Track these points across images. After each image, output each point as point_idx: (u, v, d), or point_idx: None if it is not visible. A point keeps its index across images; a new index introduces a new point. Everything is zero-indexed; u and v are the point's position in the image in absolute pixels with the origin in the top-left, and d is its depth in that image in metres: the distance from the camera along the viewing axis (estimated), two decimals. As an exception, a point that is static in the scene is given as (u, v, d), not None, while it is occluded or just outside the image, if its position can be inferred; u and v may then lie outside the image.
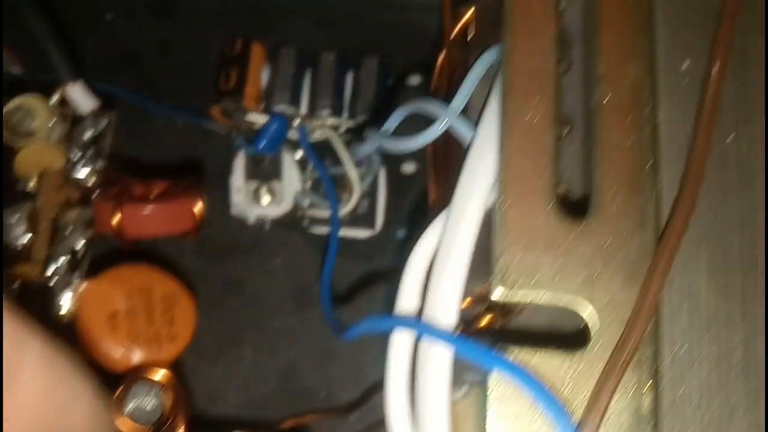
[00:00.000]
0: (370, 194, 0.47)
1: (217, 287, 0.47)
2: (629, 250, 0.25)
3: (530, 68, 0.27)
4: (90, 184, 0.38)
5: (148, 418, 0.32)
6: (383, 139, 0.36)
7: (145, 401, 0.32)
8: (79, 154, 0.38)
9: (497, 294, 0.25)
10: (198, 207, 0.37)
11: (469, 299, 0.27)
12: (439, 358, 0.24)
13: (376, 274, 0.47)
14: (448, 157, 0.33)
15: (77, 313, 0.35)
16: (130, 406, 0.32)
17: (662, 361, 0.25)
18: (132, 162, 0.41)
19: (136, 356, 0.35)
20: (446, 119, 0.31)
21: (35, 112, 0.36)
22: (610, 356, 0.24)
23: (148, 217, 0.35)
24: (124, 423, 0.32)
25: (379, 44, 0.47)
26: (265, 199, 0.46)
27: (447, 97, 0.32)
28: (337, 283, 0.45)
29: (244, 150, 0.45)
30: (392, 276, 0.28)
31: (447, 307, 0.25)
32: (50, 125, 0.36)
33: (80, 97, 0.38)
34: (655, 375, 0.24)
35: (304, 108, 0.44)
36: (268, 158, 0.46)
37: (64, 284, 0.36)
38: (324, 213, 0.47)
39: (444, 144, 0.33)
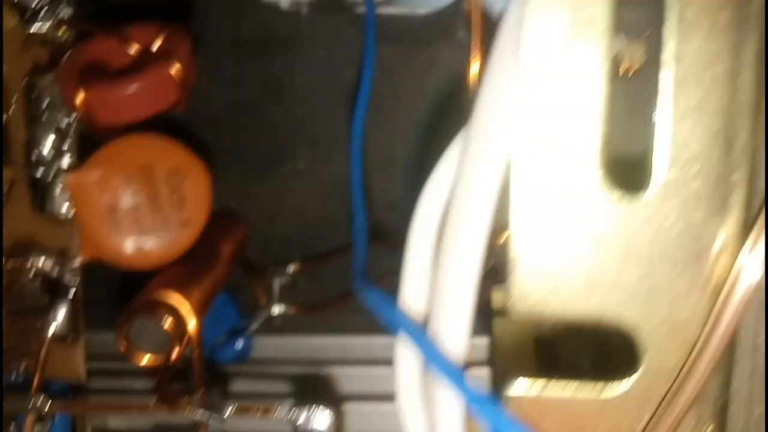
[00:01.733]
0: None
1: (255, 91, 0.40)
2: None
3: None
4: (58, 38, 0.30)
5: (160, 346, 0.28)
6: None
7: (151, 333, 0.28)
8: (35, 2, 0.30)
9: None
10: (175, 69, 0.29)
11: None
12: (450, 408, 0.18)
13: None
14: None
15: (73, 209, 0.30)
16: (139, 341, 0.28)
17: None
18: (100, 8, 0.33)
19: (147, 251, 0.30)
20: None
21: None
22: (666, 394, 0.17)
23: (119, 101, 0.28)
24: (140, 358, 0.28)
25: None
26: None
27: None
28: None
29: None
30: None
31: (457, 334, 0.18)
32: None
33: None
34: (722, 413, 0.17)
35: None
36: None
37: (52, 172, 0.30)
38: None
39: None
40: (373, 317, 0.39)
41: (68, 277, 0.31)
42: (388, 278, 0.38)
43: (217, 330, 0.39)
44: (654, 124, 0.18)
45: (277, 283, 0.40)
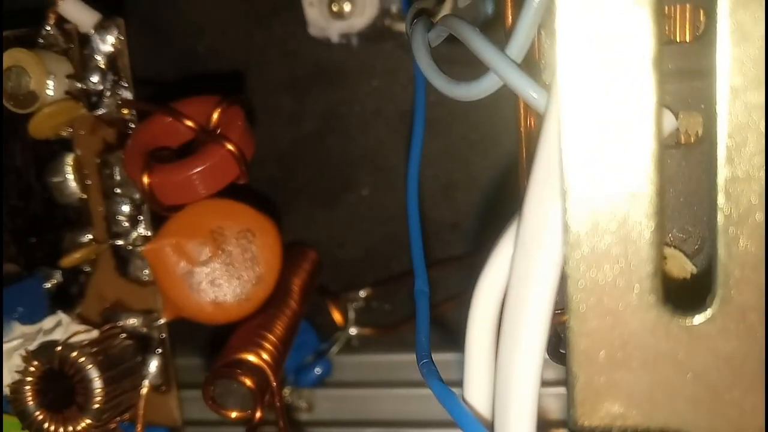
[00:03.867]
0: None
1: (315, 124, 0.41)
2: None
3: None
4: (123, 117, 0.32)
5: (245, 403, 0.30)
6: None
7: (234, 393, 0.30)
8: (98, 83, 0.31)
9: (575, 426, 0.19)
10: (233, 147, 0.30)
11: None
12: None
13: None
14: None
15: (152, 276, 0.33)
16: (225, 401, 0.30)
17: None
18: (158, 85, 0.34)
19: (226, 309, 0.33)
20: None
21: (28, 70, 0.30)
22: None
23: (181, 184, 0.30)
24: (231, 414, 0.31)
25: None
26: (346, 7, 0.38)
27: None
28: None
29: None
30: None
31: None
32: (49, 80, 0.30)
33: (76, 11, 0.31)
34: None
35: None
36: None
37: (133, 241, 0.33)
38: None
39: None
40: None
41: (155, 334, 0.34)
42: (452, 304, 0.40)
43: (299, 356, 0.41)
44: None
45: (351, 308, 0.42)
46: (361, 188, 0.42)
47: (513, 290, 0.20)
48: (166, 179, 0.30)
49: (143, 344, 0.34)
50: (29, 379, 0.30)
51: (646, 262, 0.18)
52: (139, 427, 0.33)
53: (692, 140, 0.21)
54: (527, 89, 0.21)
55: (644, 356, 0.18)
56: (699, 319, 0.18)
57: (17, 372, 0.30)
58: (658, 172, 0.18)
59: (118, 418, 0.33)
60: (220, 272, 0.32)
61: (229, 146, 0.30)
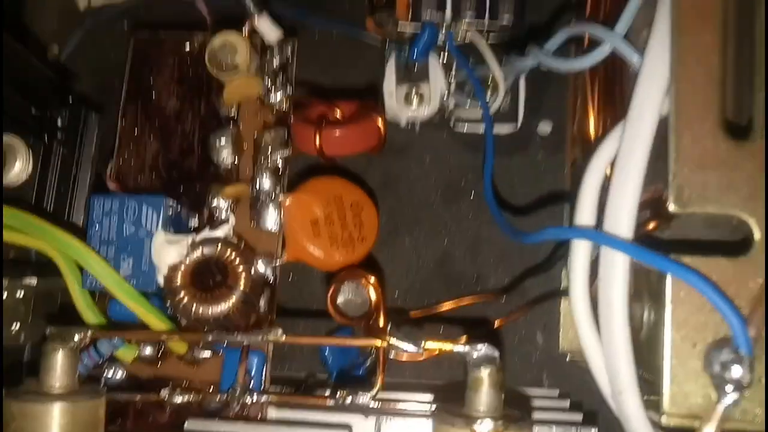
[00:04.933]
0: (511, 92, 0.51)
1: (377, 185, 0.52)
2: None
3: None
4: (283, 107, 0.43)
5: (356, 310, 0.39)
6: (545, 57, 0.40)
7: (355, 296, 0.39)
8: (271, 81, 0.43)
9: (672, 208, 0.30)
10: (380, 122, 0.42)
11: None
12: (619, 263, 0.30)
13: (520, 166, 0.52)
14: (608, 80, 0.37)
15: (284, 222, 0.42)
16: (341, 299, 0.39)
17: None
18: (315, 86, 0.47)
19: (336, 256, 0.42)
20: (612, 41, 0.35)
21: (237, 48, 0.41)
22: (772, 260, 0.29)
23: (343, 138, 0.41)
24: (338, 315, 0.39)
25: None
26: (415, 101, 0.51)
27: (607, 23, 0.36)
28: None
29: (395, 57, 0.50)
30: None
31: (626, 218, 0.30)
32: (250, 59, 0.42)
33: (267, 27, 0.43)
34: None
35: (449, 13, 0.47)
36: (416, 63, 0.50)
37: (269, 198, 0.42)
38: (467, 112, 0.52)
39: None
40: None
41: (270, 272, 0.42)
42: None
43: (344, 359, 0.48)
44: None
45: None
46: (405, 237, 0.52)
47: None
48: (333, 134, 0.41)
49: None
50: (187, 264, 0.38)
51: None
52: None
53: None
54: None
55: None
56: None
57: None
58: None
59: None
60: (337, 227, 0.42)
61: (378, 120, 0.41)
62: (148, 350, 0.40)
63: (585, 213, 0.33)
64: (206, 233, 0.39)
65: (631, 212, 0.31)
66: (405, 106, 0.51)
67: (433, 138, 0.54)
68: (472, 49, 0.48)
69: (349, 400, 0.36)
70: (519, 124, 0.52)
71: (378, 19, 0.49)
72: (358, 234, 0.42)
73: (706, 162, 0.30)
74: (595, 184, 0.33)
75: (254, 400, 0.38)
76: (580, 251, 0.32)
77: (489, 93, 0.51)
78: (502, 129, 0.52)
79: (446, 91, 0.50)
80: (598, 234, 0.31)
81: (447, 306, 0.50)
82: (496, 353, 0.34)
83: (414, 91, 0.50)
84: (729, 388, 0.27)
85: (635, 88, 0.32)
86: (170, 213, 0.39)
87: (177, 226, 0.40)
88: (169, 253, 0.38)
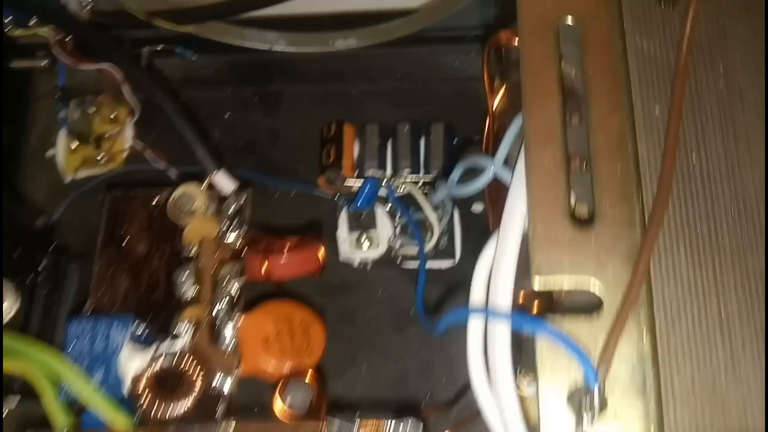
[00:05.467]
0: (448, 232, 0.58)
1: (335, 318, 0.58)
2: (625, 243, 0.36)
3: (543, 126, 0.38)
4: (237, 245, 0.51)
5: (300, 406, 0.44)
6: (450, 187, 0.48)
7: (298, 395, 0.44)
8: (228, 223, 0.51)
9: (536, 284, 0.36)
10: (321, 252, 0.49)
11: (522, 293, 0.38)
12: (501, 330, 0.36)
13: (458, 294, 0.59)
14: (500, 195, 0.45)
15: (239, 338, 0.48)
16: (288, 399, 0.44)
17: (656, 316, 0.35)
18: (267, 226, 0.55)
19: (286, 366, 0.47)
20: (492, 168, 0.43)
21: (194, 196, 0.50)
22: (616, 315, 0.35)
23: (287, 264, 0.48)
24: (284, 413, 0.44)
25: (444, 113, 0.59)
26: (366, 245, 0.57)
27: (494, 152, 0.44)
28: (428, 301, 0.57)
29: (345, 208, 0.57)
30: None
31: (503, 295, 0.37)
32: (206, 205, 0.50)
33: (224, 182, 0.51)
34: (651, 325, 0.35)
35: (389, 170, 0.56)
36: (365, 213, 0.57)
37: (226, 320, 0.49)
38: (412, 250, 0.59)
39: (495, 186, 0.45)
40: None
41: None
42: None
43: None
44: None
45: None
46: (361, 364, 0.58)
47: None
48: (278, 260, 0.48)
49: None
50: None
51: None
52: None
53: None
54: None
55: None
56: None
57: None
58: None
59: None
60: (286, 342, 0.48)
61: (319, 249, 0.49)
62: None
63: (476, 297, 0.39)
64: (165, 346, 0.45)
65: (506, 290, 0.37)
66: (357, 249, 0.57)
67: (384, 274, 0.59)
68: (411, 197, 0.57)
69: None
70: (456, 260, 0.59)
71: (328, 176, 0.57)
72: (306, 347, 0.48)
73: (558, 245, 0.37)
74: (483, 277, 0.39)
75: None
76: (474, 326, 0.38)
77: (429, 233, 0.58)
78: (443, 264, 0.59)
79: (393, 234, 0.57)
80: (483, 310, 0.37)
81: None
82: (420, 427, 0.39)
83: (365, 236, 0.57)
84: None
85: (507, 198, 0.39)
86: (138, 333, 0.45)
87: (145, 342, 0.46)
88: (134, 363, 0.44)
